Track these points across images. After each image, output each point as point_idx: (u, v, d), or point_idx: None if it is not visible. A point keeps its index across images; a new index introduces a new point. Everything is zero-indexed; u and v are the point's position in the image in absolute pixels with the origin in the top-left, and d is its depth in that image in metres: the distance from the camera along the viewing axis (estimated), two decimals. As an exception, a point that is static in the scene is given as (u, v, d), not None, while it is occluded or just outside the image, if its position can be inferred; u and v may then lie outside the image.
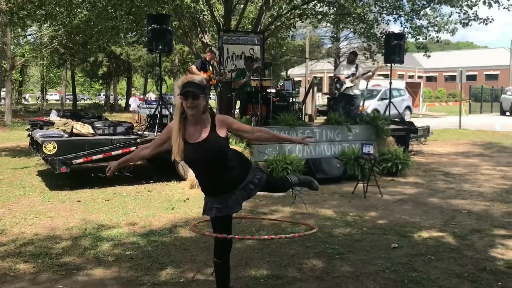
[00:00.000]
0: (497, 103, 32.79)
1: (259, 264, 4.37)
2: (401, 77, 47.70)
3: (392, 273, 4.15)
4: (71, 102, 43.29)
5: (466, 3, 11.14)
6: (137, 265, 4.34)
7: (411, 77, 53.64)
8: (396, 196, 7.22)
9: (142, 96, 37.79)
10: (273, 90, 9.75)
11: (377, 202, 6.85)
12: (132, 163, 10.04)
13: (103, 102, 46.23)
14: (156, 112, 8.61)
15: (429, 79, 59.29)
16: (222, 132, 3.14)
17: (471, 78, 47.60)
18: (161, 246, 4.88)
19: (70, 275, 4.10)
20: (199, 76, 3.18)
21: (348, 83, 10.05)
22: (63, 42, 18.49)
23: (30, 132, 9.17)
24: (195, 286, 3.89)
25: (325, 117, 10.19)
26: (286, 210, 6.31)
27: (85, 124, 8.17)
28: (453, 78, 56.39)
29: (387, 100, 11.58)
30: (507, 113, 27.67)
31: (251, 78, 8.93)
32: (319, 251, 4.71)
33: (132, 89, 47.43)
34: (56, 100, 59.19)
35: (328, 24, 20.91)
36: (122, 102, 44.92)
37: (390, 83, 10.84)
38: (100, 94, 62.32)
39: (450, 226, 5.59)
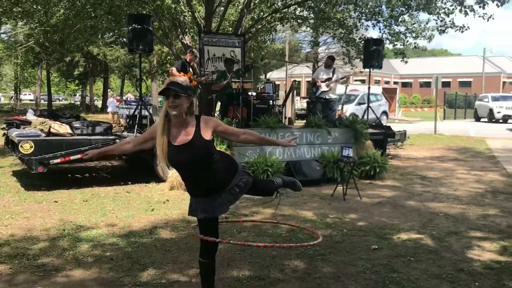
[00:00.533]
0: (471, 109, 33.51)
1: (241, 265, 4.37)
2: (377, 82, 48.37)
3: (373, 274, 4.20)
4: (46, 102, 42.50)
5: (443, 10, 11.37)
6: (118, 266, 4.29)
7: (387, 82, 54.44)
8: (374, 198, 7.30)
9: (119, 97, 37.37)
10: (254, 93, 9.79)
11: (356, 204, 6.92)
12: (109, 163, 9.98)
13: (78, 102, 45.56)
14: (136, 113, 8.53)
15: (404, 85, 60.24)
16: (207, 134, 3.08)
17: (445, 84, 48.44)
18: (142, 247, 4.83)
19: (48, 276, 4.02)
20: (183, 78, 3.17)
21: (324, 88, 10.18)
22: (40, 40, 18.15)
23: (5, 131, 8.97)
24: (177, 287, 3.86)
25: (304, 121, 10.28)
26: (267, 211, 6.31)
27: (63, 124, 8.04)
28: (428, 84, 57.48)
29: (365, 105, 11.75)
30: (482, 119, 28.15)
31: (232, 80, 8.92)
32: (301, 252, 4.73)
33: (109, 90, 46.88)
34: (30, 100, 58.03)
35: (308, 29, 21.09)
36: (99, 103, 44.35)
37: (369, 87, 10.97)
38: (75, 95, 61.40)
39: (428, 228, 5.68)
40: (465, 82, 54.41)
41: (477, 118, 29.08)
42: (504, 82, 54.52)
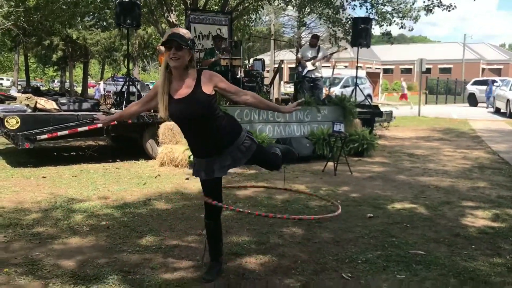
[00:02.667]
0: (451, 95, 33.93)
1: (239, 232, 4.35)
2: (359, 68, 48.52)
3: (371, 239, 4.22)
4: (24, 88, 41.53)
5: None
6: (115, 234, 4.23)
7: (369, 69, 54.70)
8: (365, 173, 7.34)
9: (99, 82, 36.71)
10: (242, 74, 9.73)
11: (347, 179, 6.95)
12: (95, 142, 9.83)
13: (57, 88, 44.66)
14: (123, 89, 8.39)
15: (386, 71, 60.55)
16: (208, 89, 3.01)
17: (426, 71, 48.94)
18: (137, 217, 4.77)
19: (45, 244, 3.95)
20: (185, 30, 3.09)
21: (310, 66, 10.18)
22: (19, 21, 17.66)
23: (-12, 108, 8.74)
24: (178, 252, 3.82)
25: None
26: (261, 185, 6.28)
27: (49, 100, 7.86)
28: (408, 70, 58.06)
29: (350, 88, 11.82)
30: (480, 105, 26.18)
31: (221, 57, 8.83)
32: (296, 221, 4.73)
33: (88, 76, 46.07)
34: (7, 87, 56.71)
35: (292, 13, 20.93)
36: (78, 89, 43.60)
37: (357, 67, 11.00)
38: (53, 81, 60.19)
39: (420, 199, 5.74)
40: (446, 69, 54.93)
41: (473, 103, 27.26)
42: (483, 69, 55.25)
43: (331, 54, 10.47)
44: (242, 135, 3.19)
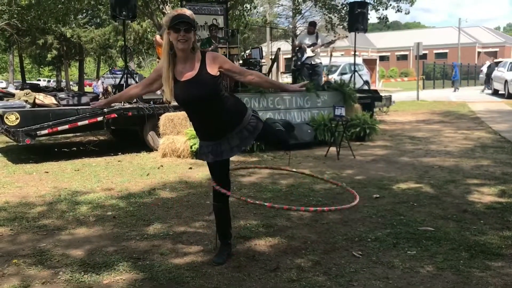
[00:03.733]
0: (448, 80, 33.82)
1: (246, 216, 4.34)
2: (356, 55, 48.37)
3: (379, 218, 4.21)
4: (20, 89, 41.33)
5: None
6: (121, 223, 4.21)
7: (365, 56, 54.55)
8: (368, 157, 7.32)
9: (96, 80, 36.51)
10: (241, 60, 9.67)
11: (350, 162, 6.93)
12: (95, 138, 9.78)
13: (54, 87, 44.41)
14: (122, 82, 8.34)
15: (382, 58, 60.31)
16: (213, 70, 2.98)
17: (422, 57, 48.84)
18: (143, 206, 4.75)
19: (52, 235, 3.93)
20: (189, 11, 3.05)
21: (309, 53, 10.15)
22: (12, 21, 17.53)
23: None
24: (186, 238, 3.81)
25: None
26: (264, 171, 6.26)
27: (48, 95, 7.81)
28: (404, 57, 57.98)
29: (347, 75, 11.76)
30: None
31: (219, 46, 8.78)
32: (304, 204, 4.71)
33: (84, 75, 45.84)
34: (2, 88, 56.48)
35: (285, 3, 20.79)
36: (75, 88, 43.42)
37: (355, 52, 10.95)
38: (49, 81, 59.91)
39: (425, 178, 5.72)
40: (441, 54, 54.80)
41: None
42: (479, 52, 55.18)
43: (333, 41, 10.42)
44: (248, 114, 3.17)
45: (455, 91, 23.71)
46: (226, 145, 3.13)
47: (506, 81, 18.61)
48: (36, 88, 9.20)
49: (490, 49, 55.55)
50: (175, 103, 8.43)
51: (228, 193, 3.18)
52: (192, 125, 3.26)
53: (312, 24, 10.63)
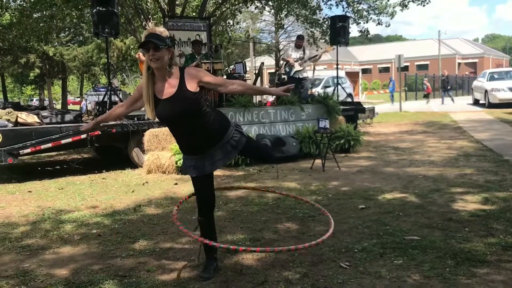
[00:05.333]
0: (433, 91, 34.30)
1: (233, 230, 4.32)
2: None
3: (365, 228, 4.22)
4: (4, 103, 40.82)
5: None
6: (107, 240, 4.16)
7: (347, 69, 55.11)
8: (353, 168, 7.37)
9: (78, 100, 36.27)
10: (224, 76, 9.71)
11: (336, 174, 6.96)
12: (79, 156, 9.68)
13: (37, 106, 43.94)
14: (105, 99, 8.30)
15: (364, 71, 61.02)
16: (192, 86, 2.98)
17: (404, 69, 49.42)
18: (128, 223, 4.70)
19: (35, 255, 3.86)
20: (162, 28, 3.06)
21: (297, 67, 10.23)
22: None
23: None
24: (172, 254, 3.77)
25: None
26: (250, 186, 6.26)
27: (30, 114, 7.73)
28: (386, 69, 58.68)
29: (330, 88, 11.89)
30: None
31: (202, 61, 8.81)
32: (291, 216, 4.72)
33: (68, 93, 45.52)
34: (-16, 108, 55.72)
35: (267, 18, 20.95)
36: (58, 106, 43.06)
37: (337, 64, 11.06)
38: (32, 100, 59.35)
39: (410, 188, 5.77)
40: (422, 65, 55.66)
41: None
42: (459, 63, 56.13)
43: (319, 56, 10.51)
44: (230, 130, 3.17)
45: (392, 104, 24.00)
46: (209, 160, 3.13)
47: (486, 91, 18.94)
48: (19, 107, 9.11)
49: (470, 60, 56.59)
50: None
51: (215, 244, 3.08)
52: (175, 140, 3.25)
53: (300, 38, 10.72)
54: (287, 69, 10.30)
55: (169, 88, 2.97)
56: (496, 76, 19.62)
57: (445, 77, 23.97)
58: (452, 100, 23.33)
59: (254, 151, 3.53)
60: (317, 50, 13.34)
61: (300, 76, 10.30)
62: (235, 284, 3.14)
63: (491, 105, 18.31)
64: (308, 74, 12.64)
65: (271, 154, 3.57)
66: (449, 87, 23.55)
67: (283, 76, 10.51)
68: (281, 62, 10.73)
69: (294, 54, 10.33)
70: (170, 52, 2.96)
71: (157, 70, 2.94)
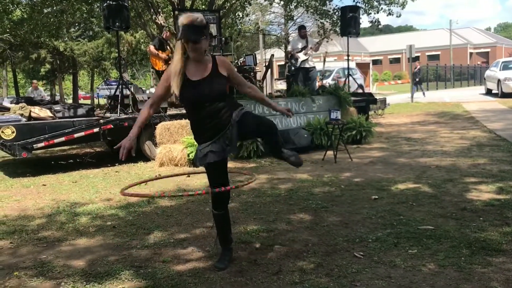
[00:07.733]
0: (441, 82, 34.01)
1: (246, 221, 4.33)
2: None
3: (379, 219, 4.22)
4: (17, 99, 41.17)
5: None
6: (122, 232, 4.20)
7: (357, 60, 54.77)
8: (365, 159, 7.35)
9: (89, 95, 36.47)
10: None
11: (348, 165, 6.95)
12: (92, 149, 9.74)
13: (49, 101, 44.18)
14: (117, 93, 8.34)
15: (374, 62, 60.57)
16: (223, 71, 3.13)
17: (415, 59, 48.96)
18: (143, 215, 4.75)
19: (52, 247, 3.91)
20: (199, 16, 3.06)
21: (302, 57, 10.21)
22: (5, 36, 17.54)
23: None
24: (187, 244, 3.80)
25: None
26: (262, 177, 6.27)
27: (43, 108, 7.80)
28: (397, 60, 58.25)
29: (341, 80, 11.83)
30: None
31: (212, 54, 8.80)
32: (303, 207, 4.73)
33: (78, 88, 45.76)
34: (-4, 104, 56.28)
35: (277, 10, 20.89)
36: (69, 101, 43.35)
37: (348, 56, 11.00)
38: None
39: (423, 178, 5.74)
40: (434, 56, 55.16)
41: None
42: (471, 53, 55.52)
43: (319, 41, 10.49)
44: (234, 106, 3.24)
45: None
46: (226, 142, 3.15)
47: (499, 80, 18.73)
48: (31, 101, 9.20)
49: (482, 50, 55.94)
50: (171, 112, 8.44)
51: (230, 188, 3.17)
52: (195, 126, 3.23)
53: (302, 28, 10.70)
54: (293, 61, 10.29)
55: (203, 71, 3.09)
56: (509, 66, 19.35)
57: (417, 69, 23.53)
58: (423, 93, 22.97)
59: (257, 125, 3.24)
60: (327, 42, 13.33)
61: (307, 66, 10.28)
62: (249, 274, 3.16)
63: (504, 95, 18.11)
64: (317, 66, 12.62)
65: (276, 133, 3.39)
66: (417, 79, 22.79)
67: (292, 67, 10.49)
68: (289, 54, 10.71)
69: (299, 45, 10.32)
70: (208, 40, 3.09)
71: (194, 57, 3.05)
